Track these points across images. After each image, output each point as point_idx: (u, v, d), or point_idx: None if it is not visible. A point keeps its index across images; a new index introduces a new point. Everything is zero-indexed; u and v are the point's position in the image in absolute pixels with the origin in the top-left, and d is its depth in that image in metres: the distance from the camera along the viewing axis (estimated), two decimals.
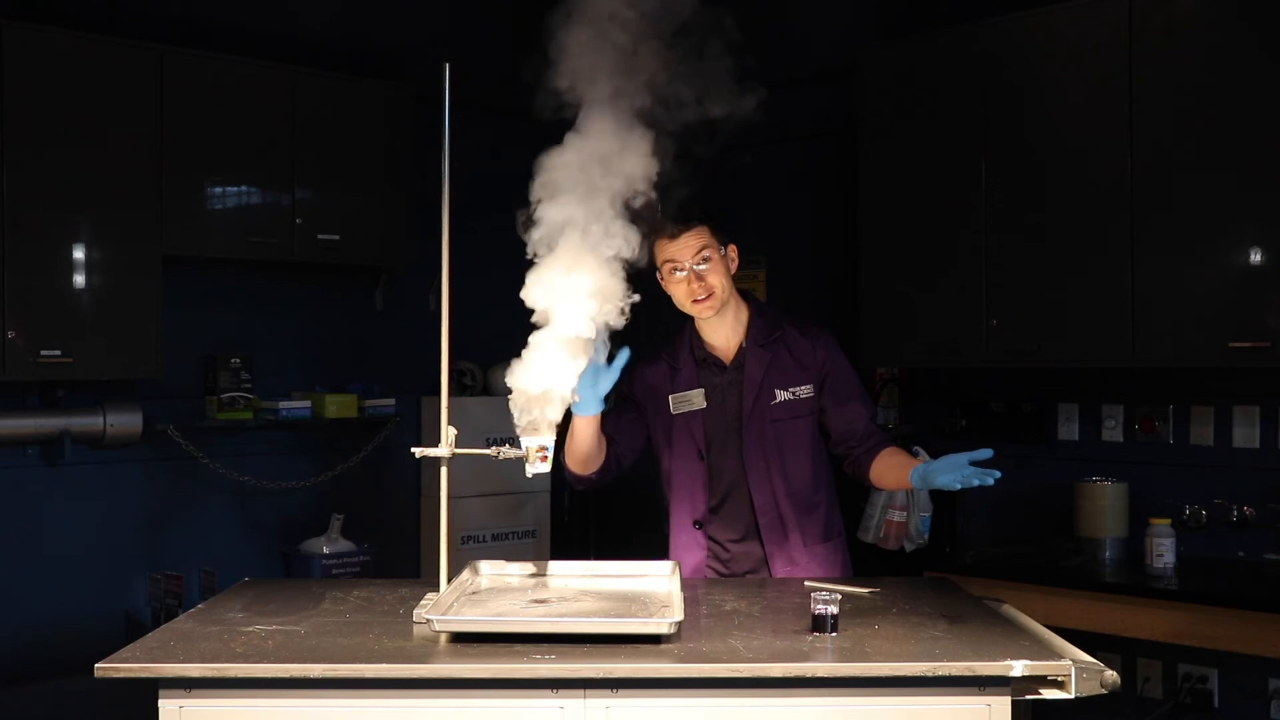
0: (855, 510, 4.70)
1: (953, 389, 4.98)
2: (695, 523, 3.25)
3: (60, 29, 4.48)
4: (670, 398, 3.25)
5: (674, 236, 3.13)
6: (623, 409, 3.30)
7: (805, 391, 3.22)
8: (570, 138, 2.77)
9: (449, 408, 2.72)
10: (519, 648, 2.31)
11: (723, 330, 3.25)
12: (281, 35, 5.21)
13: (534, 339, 2.72)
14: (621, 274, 2.76)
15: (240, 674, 2.22)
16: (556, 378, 2.71)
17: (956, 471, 2.84)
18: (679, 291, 3.17)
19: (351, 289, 5.63)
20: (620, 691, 2.23)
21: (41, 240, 4.44)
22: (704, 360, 3.27)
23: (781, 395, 3.20)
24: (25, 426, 4.66)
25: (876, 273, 4.83)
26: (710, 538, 3.25)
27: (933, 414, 5.02)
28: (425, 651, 2.34)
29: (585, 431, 3.06)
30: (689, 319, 3.30)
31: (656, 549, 3.33)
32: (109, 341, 4.59)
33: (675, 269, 3.14)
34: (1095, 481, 4.36)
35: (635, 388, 3.30)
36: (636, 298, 2.78)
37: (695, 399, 3.24)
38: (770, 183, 5.73)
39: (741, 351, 3.24)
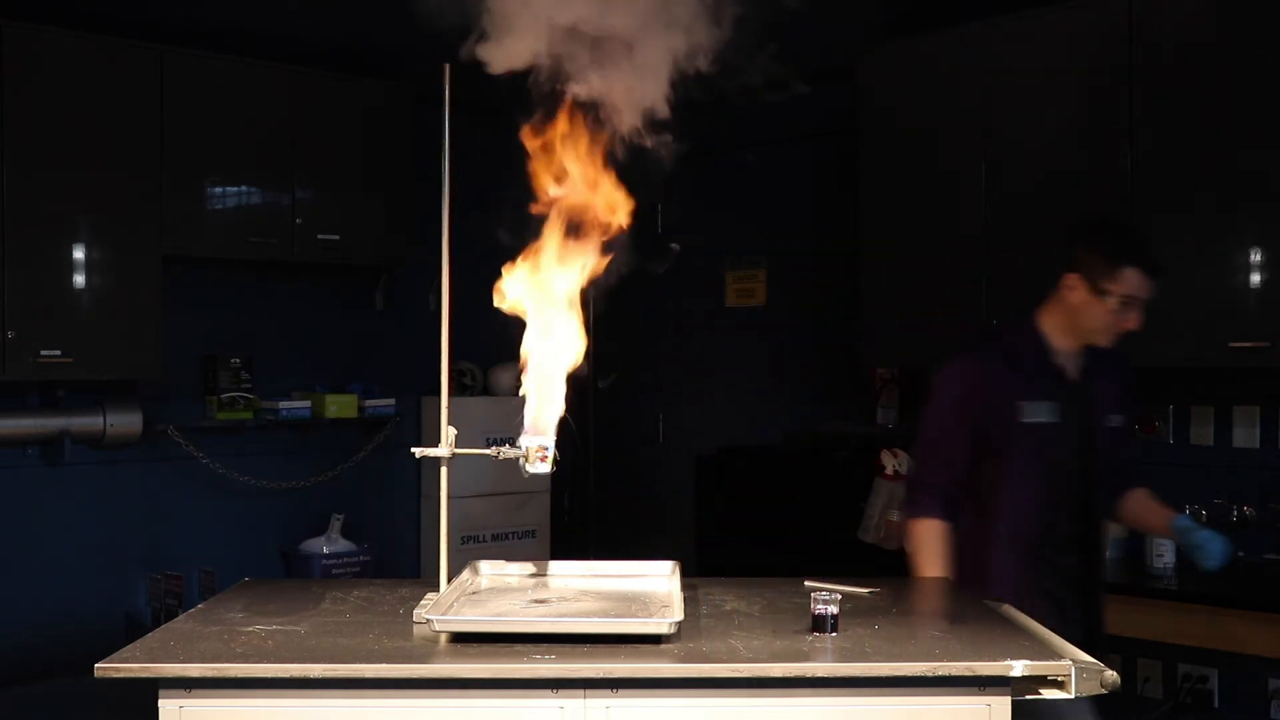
0: (855, 510, 4.71)
1: None
2: (1022, 538, 3.09)
3: (60, 29, 4.48)
4: (1021, 404, 3.04)
5: (1153, 275, 3.01)
6: (960, 436, 3.08)
7: (1123, 420, 3.18)
8: None
9: (449, 408, 2.72)
10: (519, 648, 2.30)
11: (1077, 344, 3.12)
12: (281, 35, 5.21)
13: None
14: None
15: (240, 674, 2.22)
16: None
17: (1225, 561, 2.96)
18: (1109, 319, 3.02)
19: (351, 289, 5.64)
20: (620, 691, 2.23)
21: (41, 240, 4.44)
22: (1052, 370, 3.10)
23: (1114, 419, 3.14)
24: (25, 426, 4.66)
25: (876, 273, 4.82)
26: (1039, 553, 3.10)
27: None
28: (425, 651, 2.33)
29: None
30: (1028, 319, 3.14)
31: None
32: (109, 341, 4.59)
33: (1129, 301, 3.00)
34: None
35: (976, 399, 3.07)
36: None
37: (1049, 411, 3.05)
38: (771, 182, 5.74)
39: (1084, 367, 3.12)
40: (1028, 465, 3.05)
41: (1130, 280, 2.99)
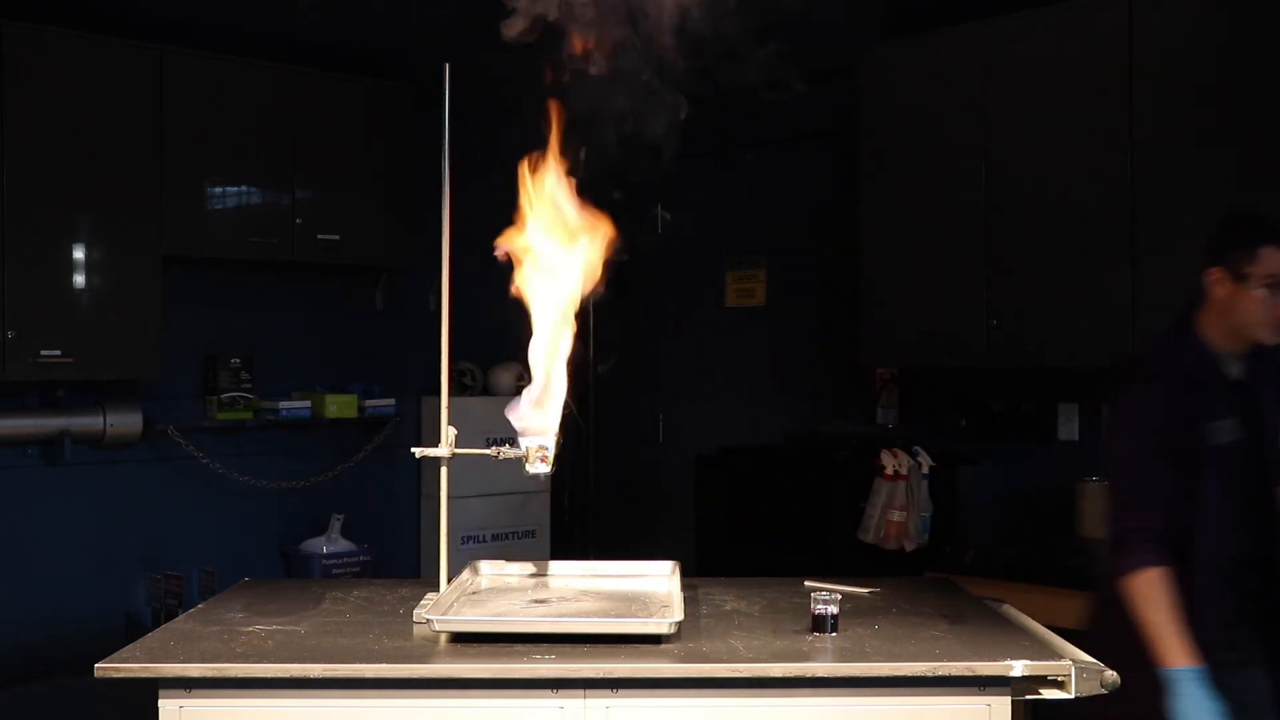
0: (856, 510, 4.71)
1: (953, 389, 4.98)
2: (1220, 565, 2.84)
3: (60, 29, 4.48)
4: (1209, 426, 2.84)
5: None
6: (1159, 468, 2.80)
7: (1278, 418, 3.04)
8: None
9: (449, 408, 2.72)
10: (519, 648, 2.31)
11: (1241, 345, 2.93)
12: (281, 35, 5.21)
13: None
14: None
15: (240, 674, 2.23)
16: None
17: None
18: (1261, 309, 2.83)
19: (351, 289, 5.64)
20: (620, 691, 2.23)
21: (41, 240, 4.44)
22: (1225, 382, 2.91)
23: (1276, 419, 2.99)
24: (25, 426, 4.66)
25: (876, 273, 4.82)
26: (1235, 577, 2.86)
27: (933, 414, 5.02)
28: (425, 651, 2.34)
29: None
30: (1185, 329, 2.96)
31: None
32: (109, 341, 4.59)
33: (1277, 284, 2.82)
34: (1096, 481, 4.35)
35: (1163, 425, 2.83)
36: None
37: (1232, 429, 2.86)
38: (771, 182, 5.73)
39: (1248, 370, 2.94)
40: (1218, 488, 2.84)
41: (1270, 259, 2.83)
